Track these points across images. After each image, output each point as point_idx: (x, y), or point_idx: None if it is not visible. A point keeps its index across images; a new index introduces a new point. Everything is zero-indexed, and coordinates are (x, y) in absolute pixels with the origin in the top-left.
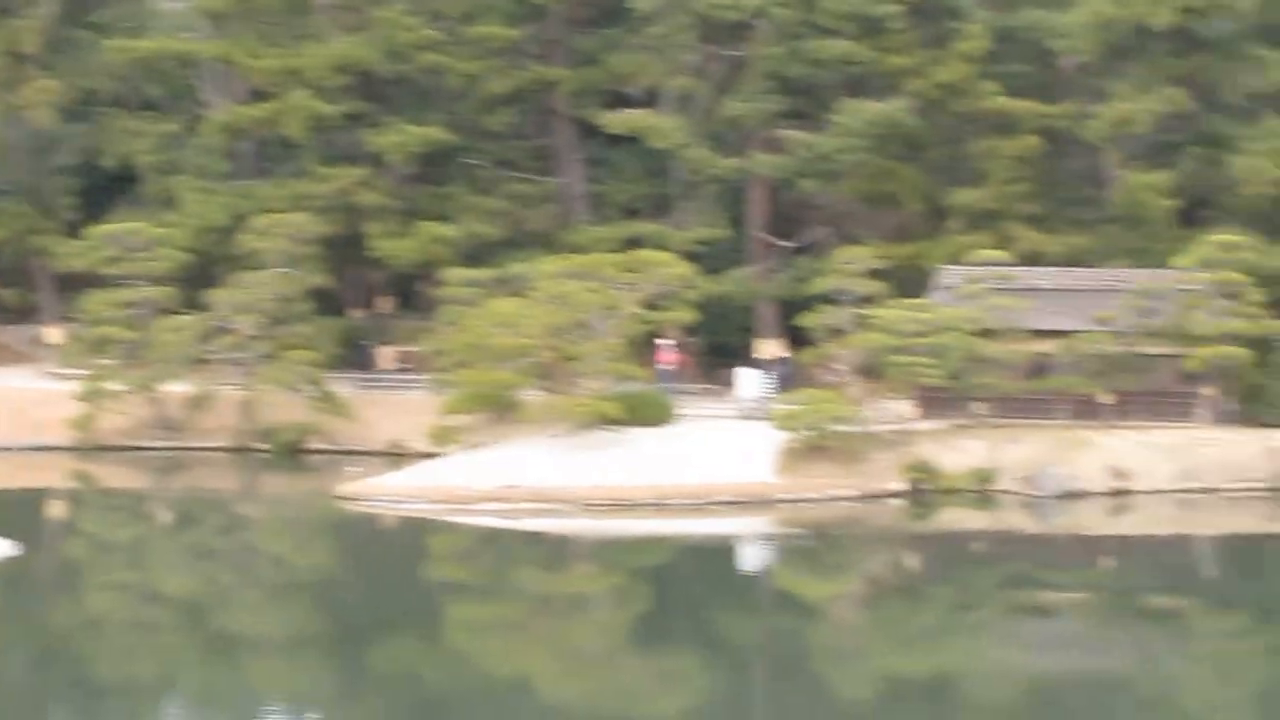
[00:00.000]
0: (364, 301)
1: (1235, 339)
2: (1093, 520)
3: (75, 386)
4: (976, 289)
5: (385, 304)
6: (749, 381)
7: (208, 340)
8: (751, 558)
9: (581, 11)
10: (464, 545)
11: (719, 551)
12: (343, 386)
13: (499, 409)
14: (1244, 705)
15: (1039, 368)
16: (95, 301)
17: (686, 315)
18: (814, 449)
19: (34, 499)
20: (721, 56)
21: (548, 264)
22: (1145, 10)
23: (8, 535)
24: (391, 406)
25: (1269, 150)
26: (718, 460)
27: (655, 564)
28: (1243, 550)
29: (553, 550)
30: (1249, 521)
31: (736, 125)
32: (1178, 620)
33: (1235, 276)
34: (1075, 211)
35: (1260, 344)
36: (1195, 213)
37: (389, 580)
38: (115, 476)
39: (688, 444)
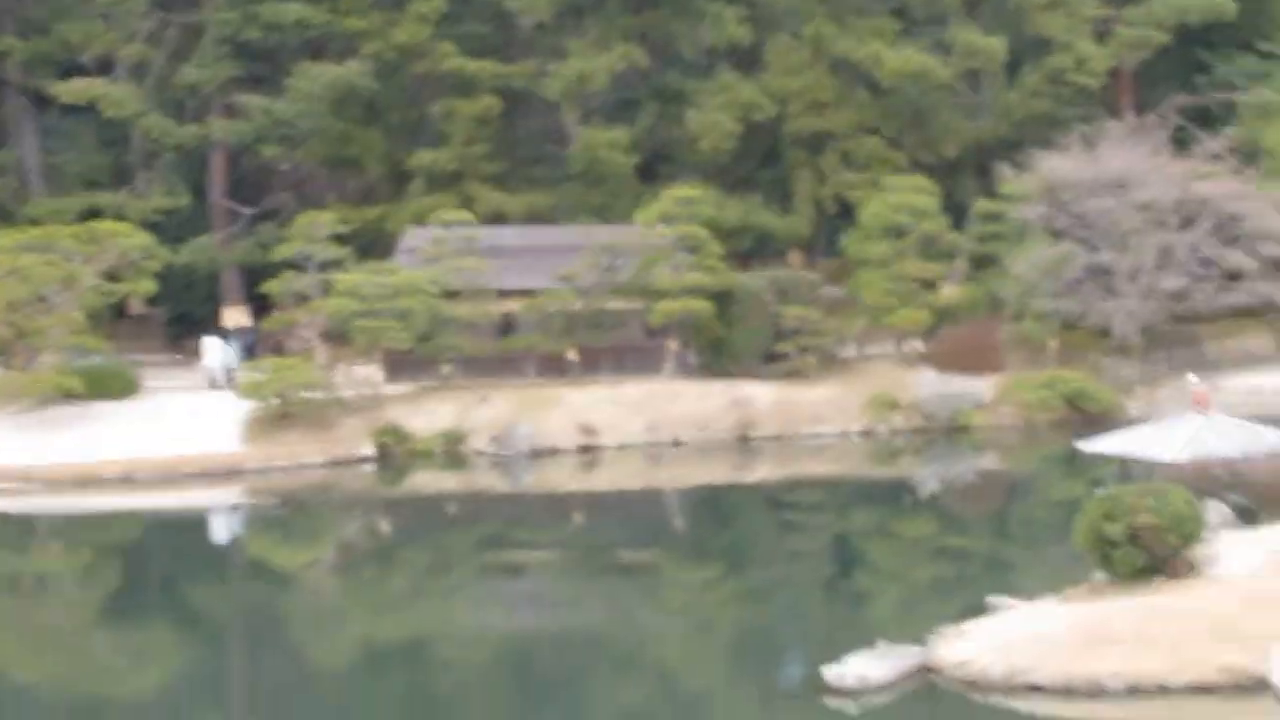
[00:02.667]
0: None
1: (697, 292)
2: (563, 477)
3: None
4: (440, 250)
5: None
6: (213, 350)
7: None
8: (222, 529)
9: None
10: None
11: (189, 524)
12: None
13: None
14: (716, 655)
15: (506, 327)
16: None
17: (148, 286)
18: (282, 416)
19: None
20: (176, 23)
21: (2, 238)
22: None
23: None
24: None
25: (724, 104)
26: (184, 431)
27: (124, 539)
28: (711, 501)
29: (17, 530)
30: (716, 472)
31: (194, 92)
32: (650, 573)
33: (695, 230)
34: (537, 170)
35: (722, 297)
36: (655, 168)
37: None
38: None
39: (153, 416)
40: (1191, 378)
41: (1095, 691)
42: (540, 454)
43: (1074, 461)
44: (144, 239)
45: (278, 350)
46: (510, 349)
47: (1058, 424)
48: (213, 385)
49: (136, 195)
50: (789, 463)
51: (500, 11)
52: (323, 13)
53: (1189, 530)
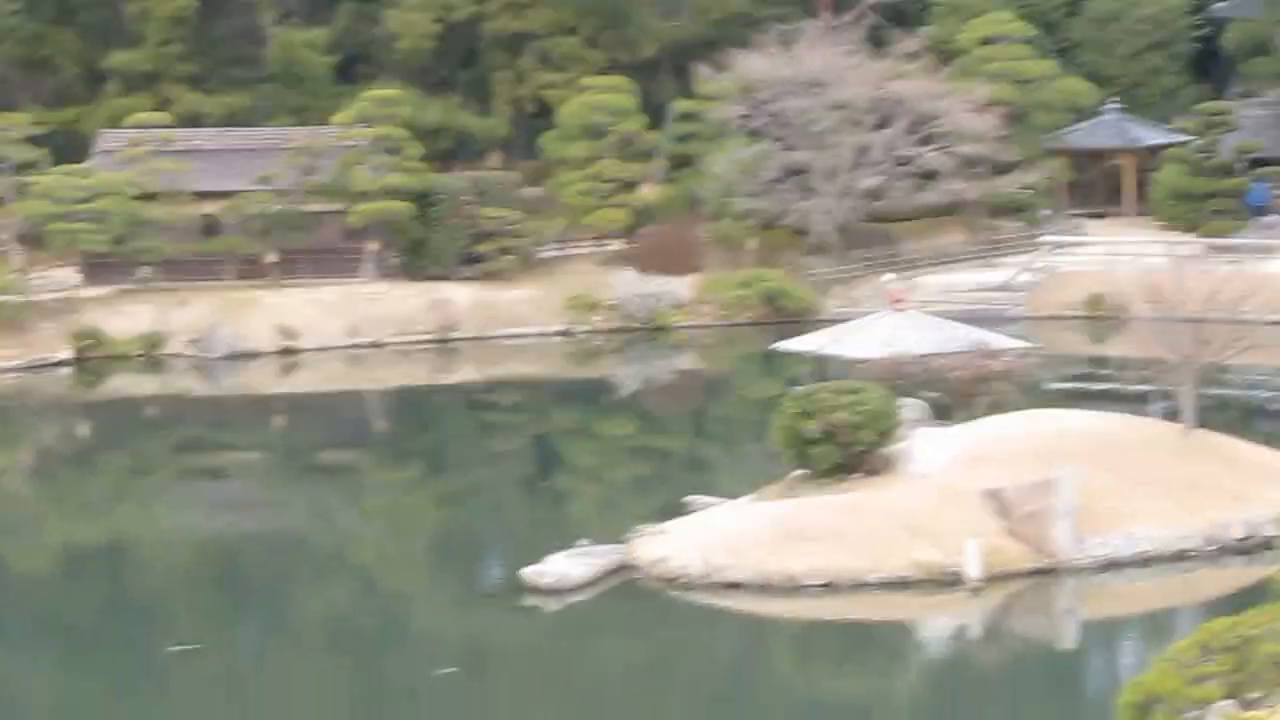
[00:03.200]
0: None
1: (396, 194)
2: (264, 380)
3: None
4: (137, 152)
5: None
6: None
7: None
8: None
9: None
10: None
11: None
12: None
13: None
14: (417, 557)
15: (205, 229)
16: None
17: None
18: None
19: None
20: None
21: None
22: None
23: None
24: None
25: (422, 4)
26: None
27: None
28: (411, 403)
29: None
30: (417, 374)
31: None
32: (350, 475)
33: (395, 131)
34: (235, 71)
35: (421, 198)
36: (354, 69)
37: None
38: None
39: None
40: (888, 276)
41: (792, 588)
42: (240, 357)
43: (772, 361)
44: None
45: None
46: (209, 251)
47: (757, 323)
48: None
49: None
50: (489, 364)
51: None
52: None
53: (885, 427)
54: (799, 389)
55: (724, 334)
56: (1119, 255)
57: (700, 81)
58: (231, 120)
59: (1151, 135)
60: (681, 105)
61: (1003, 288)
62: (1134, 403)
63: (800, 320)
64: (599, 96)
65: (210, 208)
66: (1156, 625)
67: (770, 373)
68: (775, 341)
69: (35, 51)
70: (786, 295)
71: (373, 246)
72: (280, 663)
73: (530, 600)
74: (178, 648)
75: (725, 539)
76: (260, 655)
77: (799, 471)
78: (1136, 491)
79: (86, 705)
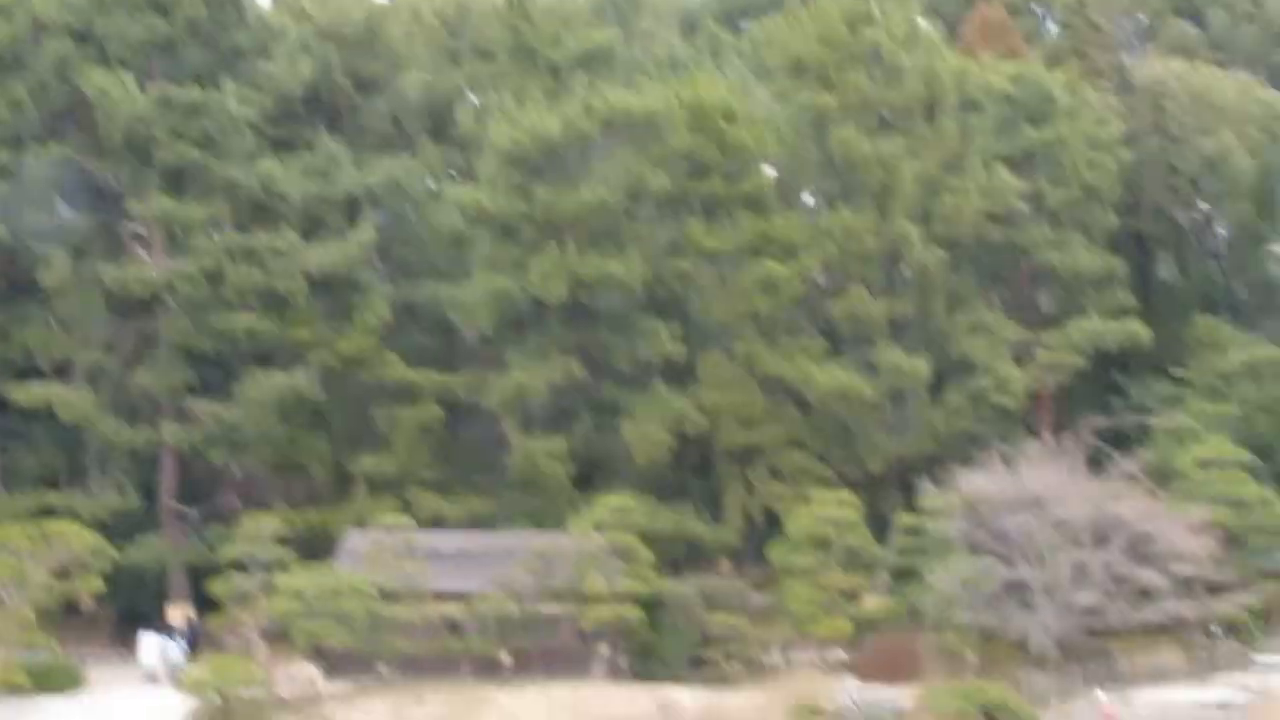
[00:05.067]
0: None
1: (628, 598)
2: None
3: None
4: (380, 553)
5: None
6: (151, 646)
7: None
8: None
9: None
10: None
11: None
12: None
13: None
14: None
15: (443, 628)
16: None
17: (96, 584)
18: (223, 713)
19: None
20: (131, 329)
21: None
22: (539, 284)
23: None
24: None
25: (655, 416)
26: None
27: None
28: None
29: None
30: None
31: (147, 396)
32: None
33: (627, 538)
34: (477, 476)
35: (652, 603)
36: (591, 476)
37: None
38: None
39: (96, 712)
40: (1099, 694)
41: None
42: None
43: None
44: (94, 538)
45: (219, 648)
46: (445, 650)
47: None
48: (151, 680)
49: (89, 495)
50: None
51: (443, 322)
52: (271, 323)
53: None
54: None
55: None
56: None
57: (924, 496)
58: (472, 523)
59: None
60: (905, 519)
61: (1216, 706)
62: None
63: None
64: (825, 509)
65: (448, 608)
66: None
67: None
68: None
69: (288, 455)
70: (1005, 708)
71: (603, 649)
72: None
73: None
74: None
75: None
76: None
77: None
78: None
79: None
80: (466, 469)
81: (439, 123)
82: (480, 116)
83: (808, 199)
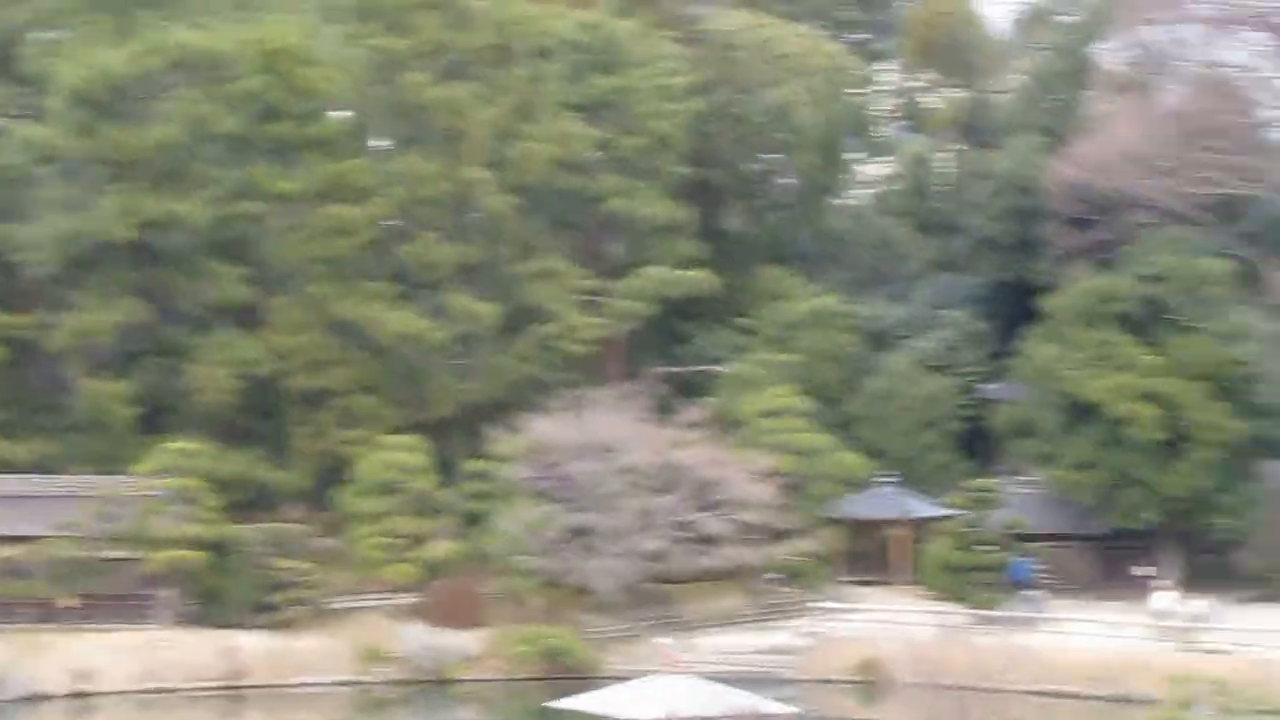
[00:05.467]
0: None
1: (193, 543)
2: None
3: None
4: None
5: None
6: None
7: None
8: None
9: None
10: None
11: None
12: None
13: None
14: None
15: (4, 572)
16: None
17: None
18: None
19: None
20: None
21: None
22: (106, 225)
23: None
24: None
25: (223, 360)
26: None
27: None
28: None
29: None
30: None
31: None
32: None
33: (193, 482)
34: (41, 419)
35: (217, 547)
36: (156, 419)
37: None
38: None
39: None
40: (662, 639)
41: None
42: (34, 699)
43: (548, 718)
44: None
45: None
46: (4, 594)
47: (540, 678)
48: None
49: None
50: (276, 711)
51: (7, 263)
52: None
53: None
54: None
55: (508, 688)
56: (889, 623)
57: (493, 442)
58: (38, 466)
59: (923, 509)
60: (473, 465)
61: (776, 651)
62: None
63: (582, 676)
64: (393, 454)
65: (9, 551)
66: None
67: None
68: (548, 701)
69: None
70: (568, 652)
71: (168, 593)
72: None
73: None
74: None
75: None
76: None
77: None
78: None
79: None
80: (31, 411)
81: (4, 60)
82: (48, 54)
83: (380, 143)
